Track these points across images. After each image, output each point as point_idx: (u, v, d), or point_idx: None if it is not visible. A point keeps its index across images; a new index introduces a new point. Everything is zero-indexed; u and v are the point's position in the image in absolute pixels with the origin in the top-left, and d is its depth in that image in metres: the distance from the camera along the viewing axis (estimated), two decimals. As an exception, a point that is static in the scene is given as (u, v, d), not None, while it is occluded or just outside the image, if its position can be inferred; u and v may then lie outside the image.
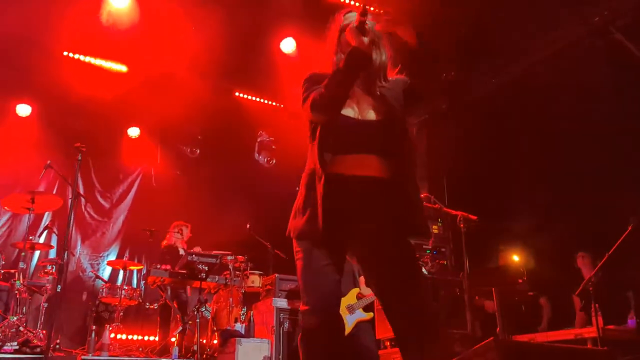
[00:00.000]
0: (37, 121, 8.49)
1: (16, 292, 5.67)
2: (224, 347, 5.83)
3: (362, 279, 5.53)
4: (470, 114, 7.92)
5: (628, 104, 6.07)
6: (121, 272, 8.47)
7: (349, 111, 2.52)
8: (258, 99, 9.26)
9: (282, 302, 5.95)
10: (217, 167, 9.59)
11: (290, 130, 7.71)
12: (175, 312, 6.61)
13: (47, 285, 6.23)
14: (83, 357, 5.19)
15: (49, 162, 6.07)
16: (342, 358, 2.46)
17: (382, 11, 2.46)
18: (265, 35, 7.61)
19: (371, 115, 2.52)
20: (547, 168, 6.89)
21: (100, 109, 7.93)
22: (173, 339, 6.20)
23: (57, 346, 5.78)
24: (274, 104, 9.28)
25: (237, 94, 9.11)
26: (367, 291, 5.46)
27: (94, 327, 6.19)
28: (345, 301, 5.20)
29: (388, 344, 5.77)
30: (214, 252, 6.49)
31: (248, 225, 7.55)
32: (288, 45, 7.80)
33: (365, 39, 2.41)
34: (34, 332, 5.58)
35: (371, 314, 5.24)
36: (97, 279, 8.05)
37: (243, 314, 6.43)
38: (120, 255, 9.09)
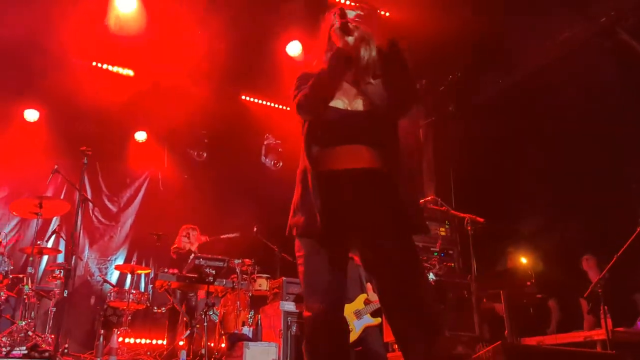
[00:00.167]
0: (44, 126, 8.54)
1: (25, 297, 5.70)
2: (232, 351, 5.83)
3: (369, 285, 5.52)
4: (478, 115, 7.91)
5: (635, 105, 6.03)
6: (129, 276, 8.48)
7: (338, 102, 2.52)
8: (264, 102, 9.27)
9: (289, 306, 5.94)
10: (224, 171, 9.60)
11: (297, 132, 7.71)
12: (183, 315, 6.62)
13: (55, 289, 6.25)
14: (91, 361, 5.20)
15: (56, 166, 6.11)
16: None
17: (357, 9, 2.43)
18: (271, 38, 7.62)
19: (359, 106, 2.52)
20: (554, 169, 6.86)
21: (107, 113, 7.96)
22: (181, 343, 6.21)
23: (66, 350, 5.80)
24: (280, 107, 9.30)
25: (243, 97, 9.13)
26: (375, 297, 5.44)
27: (102, 331, 6.21)
28: (353, 307, 5.18)
29: (397, 347, 5.75)
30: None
31: (255, 229, 7.55)
32: (294, 48, 7.81)
33: (350, 39, 2.39)
34: (43, 336, 5.60)
35: (379, 319, 5.21)
36: (105, 283, 8.07)
37: (250, 318, 6.42)
38: (127, 259, 9.11)
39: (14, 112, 8.38)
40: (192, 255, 6.56)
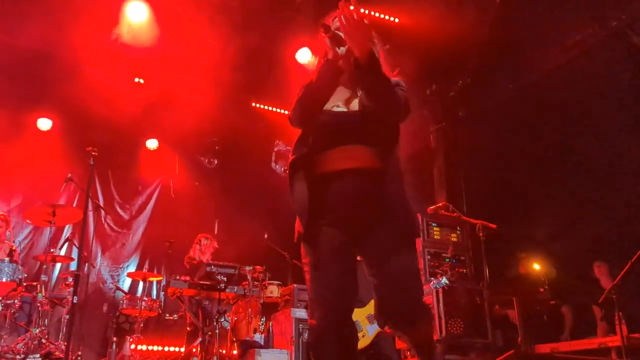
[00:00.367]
0: (57, 135, 8.63)
1: (38, 304, 5.73)
2: (244, 358, 5.83)
3: None
4: (488, 120, 7.88)
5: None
6: (141, 284, 8.52)
7: (332, 104, 2.52)
8: (274, 109, 9.29)
9: (300, 313, 5.93)
10: (234, 177, 9.63)
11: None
12: (195, 322, 6.62)
13: (69, 297, 6.27)
14: (104, 368, 5.22)
15: (69, 175, 6.16)
16: None
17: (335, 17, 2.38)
18: (281, 45, 7.64)
19: (354, 106, 2.51)
20: (566, 174, 6.81)
21: (119, 122, 8.01)
22: (193, 350, 6.22)
23: (79, 358, 5.82)
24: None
25: (253, 104, 9.16)
26: None
27: (114, 338, 6.24)
28: (366, 311, 5.15)
29: (409, 354, 5.72)
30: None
31: (266, 235, 7.55)
32: (304, 55, 7.83)
33: (342, 49, 2.37)
34: (56, 343, 5.62)
35: None
36: (117, 291, 8.11)
37: (262, 325, 6.42)
38: (139, 267, 9.16)
39: (27, 121, 8.47)
40: (204, 262, 6.59)
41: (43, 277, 5.87)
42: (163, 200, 9.80)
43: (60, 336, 6.13)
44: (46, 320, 5.93)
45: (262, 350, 5.63)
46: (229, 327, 6.58)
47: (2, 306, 5.54)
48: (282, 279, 7.20)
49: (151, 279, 7.21)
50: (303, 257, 2.51)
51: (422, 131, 8.57)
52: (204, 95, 7.84)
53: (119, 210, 9.45)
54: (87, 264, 5.72)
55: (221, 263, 6.47)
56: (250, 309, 6.43)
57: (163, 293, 8.63)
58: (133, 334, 6.48)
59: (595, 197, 6.42)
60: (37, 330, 5.51)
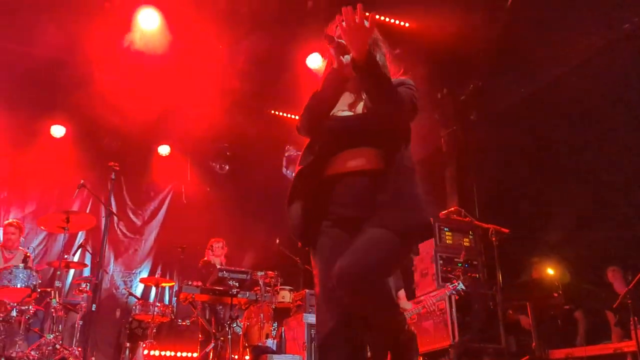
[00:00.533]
0: (70, 142, 8.71)
1: (52, 310, 5.77)
2: (256, 364, 5.84)
3: (401, 294, 5.43)
4: (500, 124, 7.85)
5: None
6: (153, 289, 8.56)
7: (337, 109, 2.53)
8: (285, 114, 9.32)
9: (313, 318, 5.92)
10: (245, 183, 9.66)
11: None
12: (208, 328, 6.64)
13: (82, 303, 6.33)
14: (118, 374, 5.25)
15: (82, 181, 6.21)
16: None
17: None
18: (292, 51, 7.66)
19: (359, 109, 2.52)
20: (579, 178, 6.76)
21: (131, 128, 8.08)
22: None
23: (92, 363, 5.86)
24: (301, 118, 9.32)
25: (264, 109, 9.18)
26: (408, 305, 5.37)
27: (127, 344, 6.26)
28: None
29: (421, 359, 5.70)
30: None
31: (277, 241, 7.56)
32: (314, 60, 7.84)
33: (347, 57, 2.38)
34: (70, 349, 5.66)
35: None
36: (130, 296, 8.15)
37: (274, 330, 6.42)
38: (152, 272, 9.20)
39: (41, 128, 8.56)
40: (218, 267, 6.61)
41: (57, 283, 5.91)
42: (175, 206, 9.84)
43: (74, 342, 6.17)
44: (60, 326, 5.97)
45: (274, 356, 5.63)
46: (241, 333, 6.59)
47: (16, 312, 5.58)
48: (294, 284, 7.20)
49: (163, 284, 7.24)
50: (313, 263, 2.52)
51: (433, 135, 8.56)
52: (215, 101, 7.88)
53: (131, 216, 9.51)
54: (100, 270, 5.74)
55: (233, 268, 6.48)
56: (262, 315, 6.44)
57: (175, 298, 8.65)
58: (146, 339, 6.49)
59: (609, 201, 6.37)
60: (52, 336, 5.55)
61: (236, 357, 6.25)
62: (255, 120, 9.01)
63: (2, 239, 7.09)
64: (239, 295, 6.21)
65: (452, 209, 6.22)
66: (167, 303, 8.16)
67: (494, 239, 5.31)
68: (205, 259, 7.44)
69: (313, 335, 5.83)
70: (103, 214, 5.70)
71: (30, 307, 5.71)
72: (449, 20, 6.85)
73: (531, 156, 7.26)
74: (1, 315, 5.53)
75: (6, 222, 7.20)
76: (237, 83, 7.78)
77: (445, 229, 6.75)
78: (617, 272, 6.32)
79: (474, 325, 5.87)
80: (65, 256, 6.37)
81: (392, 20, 7.23)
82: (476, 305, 5.89)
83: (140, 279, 8.30)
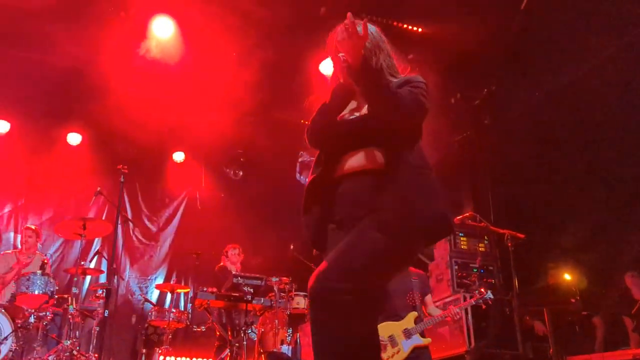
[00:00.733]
0: (87, 149, 8.80)
1: (69, 316, 5.81)
2: (271, 370, 5.83)
3: (428, 299, 5.39)
4: (515, 128, 7.80)
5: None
6: (169, 295, 8.61)
7: (344, 112, 2.55)
8: (299, 120, 9.32)
9: (327, 324, 5.90)
10: (259, 188, 9.68)
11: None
12: (223, 334, 6.66)
13: (99, 309, 6.37)
14: (134, 380, 5.27)
15: (98, 188, 6.28)
16: None
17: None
18: (306, 56, 7.68)
19: (365, 110, 2.49)
20: (595, 182, 6.70)
21: (146, 135, 8.13)
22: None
23: (109, 369, 5.90)
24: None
25: (277, 115, 9.20)
26: (436, 311, 5.31)
27: (143, 350, 6.29)
28: (402, 325, 5.05)
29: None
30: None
31: (292, 246, 7.56)
32: (328, 66, 7.85)
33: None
34: (87, 355, 5.71)
35: (429, 340, 5.08)
36: (145, 302, 8.20)
37: (289, 336, 6.42)
38: (167, 278, 9.24)
39: (58, 136, 8.67)
40: (232, 273, 6.62)
41: (74, 290, 5.96)
42: (190, 212, 9.90)
43: (90, 348, 6.21)
44: (77, 332, 6.02)
45: (289, 362, 5.63)
46: (256, 339, 6.60)
47: (34, 318, 5.64)
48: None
49: (179, 290, 7.27)
50: None
51: (447, 140, 8.53)
52: (229, 107, 7.92)
53: (146, 222, 9.58)
54: (116, 276, 5.80)
55: (248, 274, 6.49)
56: (277, 321, 6.44)
57: (190, 305, 8.70)
58: (161, 345, 6.53)
59: (627, 205, 6.30)
60: (69, 342, 5.59)
61: (251, 363, 6.26)
62: (268, 126, 9.04)
63: (20, 245, 7.17)
64: (253, 301, 6.22)
65: (467, 214, 6.19)
66: (182, 309, 8.20)
67: (509, 244, 5.27)
68: (222, 264, 7.47)
69: (328, 341, 5.79)
70: (118, 220, 5.74)
71: (47, 313, 5.77)
72: (461, 25, 6.84)
73: (546, 160, 7.20)
74: (19, 321, 5.61)
75: (23, 226, 7.30)
76: (251, 90, 7.81)
77: (461, 235, 6.72)
78: (635, 277, 6.26)
79: (490, 331, 5.83)
80: (82, 263, 6.42)
81: (405, 26, 7.23)
82: (492, 311, 5.85)
83: (156, 285, 8.36)
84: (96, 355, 5.77)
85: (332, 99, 2.51)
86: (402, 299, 5.18)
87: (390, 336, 5.02)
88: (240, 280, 6.25)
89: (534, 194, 7.19)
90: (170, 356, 6.56)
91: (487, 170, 8.10)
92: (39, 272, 5.86)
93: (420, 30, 7.27)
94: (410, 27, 7.27)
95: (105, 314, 5.13)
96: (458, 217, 6.49)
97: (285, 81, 8.10)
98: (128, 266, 9.14)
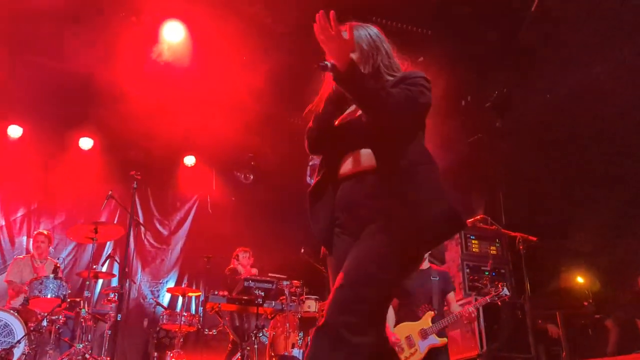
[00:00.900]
0: (98, 154, 8.86)
1: (82, 320, 5.85)
2: (283, 373, 5.83)
3: (451, 297, 5.31)
4: (526, 130, 7.75)
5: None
6: (180, 299, 8.64)
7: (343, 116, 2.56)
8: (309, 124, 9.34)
9: (338, 327, 5.88)
10: (270, 192, 9.69)
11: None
12: (234, 338, 6.67)
13: (111, 312, 6.40)
14: (146, 383, 5.29)
15: (110, 192, 6.32)
16: None
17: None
18: (317, 59, 7.68)
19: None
20: (608, 185, 6.64)
21: (157, 139, 8.18)
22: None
23: (121, 373, 5.92)
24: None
25: (288, 118, 9.22)
26: (458, 309, 5.24)
27: (155, 353, 6.31)
28: (419, 325, 5.01)
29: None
30: (270, 275, 6.55)
31: (302, 250, 7.56)
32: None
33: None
34: (99, 358, 5.74)
35: (445, 340, 5.04)
36: (157, 306, 8.23)
37: (300, 340, 6.42)
38: (178, 282, 9.27)
39: (70, 141, 8.73)
40: (242, 277, 6.64)
41: (86, 293, 6.01)
42: (201, 216, 9.93)
43: (102, 351, 6.24)
44: (89, 335, 6.05)
45: (300, 366, 5.62)
46: (267, 342, 6.60)
47: (47, 322, 5.68)
48: (319, 294, 7.19)
49: (190, 294, 7.29)
50: None
51: (458, 143, 8.49)
52: (239, 111, 7.94)
53: (158, 226, 9.62)
54: (127, 280, 5.83)
55: (259, 278, 6.51)
56: (288, 324, 6.45)
57: (202, 308, 8.71)
58: (173, 349, 6.55)
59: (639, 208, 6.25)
60: (81, 346, 5.63)
61: (262, 366, 6.26)
62: (279, 130, 9.05)
63: (32, 250, 7.23)
64: (264, 304, 6.23)
65: (479, 217, 6.16)
66: (193, 312, 8.22)
67: (521, 247, 5.23)
68: (231, 266, 7.49)
69: (339, 345, 5.78)
70: (131, 225, 5.78)
71: (60, 317, 5.81)
72: (471, 26, 6.81)
73: (558, 162, 7.15)
74: (32, 324, 5.65)
75: (36, 232, 7.35)
76: (261, 94, 7.83)
77: (472, 237, 6.69)
78: (648, 280, 6.20)
79: (502, 334, 5.79)
80: (94, 266, 6.46)
81: (415, 28, 7.22)
82: (504, 314, 5.81)
83: (168, 288, 8.39)
84: (108, 358, 5.80)
85: (326, 105, 2.53)
86: (421, 298, 5.15)
87: (407, 337, 5.00)
88: (252, 284, 6.27)
89: (546, 197, 7.14)
90: (181, 359, 6.58)
91: (499, 173, 8.05)
92: (51, 275, 5.90)
93: (429, 32, 7.25)
94: (420, 30, 7.26)
95: (118, 318, 5.15)
96: (469, 220, 6.46)
97: (296, 85, 8.09)
98: (140, 270, 9.18)
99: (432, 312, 5.05)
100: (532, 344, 5.65)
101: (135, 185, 5.88)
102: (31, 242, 7.71)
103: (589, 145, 6.88)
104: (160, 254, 9.49)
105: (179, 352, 6.43)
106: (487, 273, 6.51)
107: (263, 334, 6.38)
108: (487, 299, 5.09)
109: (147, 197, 9.46)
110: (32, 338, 5.61)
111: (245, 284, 6.29)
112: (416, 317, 5.06)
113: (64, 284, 5.95)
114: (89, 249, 6.50)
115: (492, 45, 7.00)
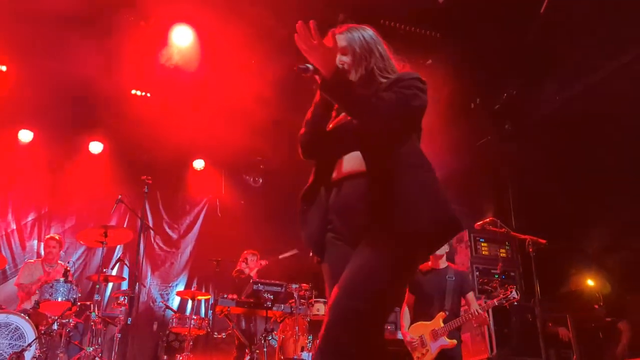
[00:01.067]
0: (108, 158, 8.92)
1: (92, 323, 5.88)
2: (292, 377, 5.83)
3: (470, 296, 5.23)
4: (535, 133, 7.72)
5: None
6: (189, 302, 8.65)
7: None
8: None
9: (348, 331, 5.87)
10: (279, 196, 9.69)
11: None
12: (244, 341, 6.67)
13: (120, 316, 6.42)
14: (155, 387, 5.30)
15: (120, 196, 6.35)
16: None
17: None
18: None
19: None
20: (619, 186, 6.59)
21: (166, 143, 8.21)
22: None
23: (131, 376, 5.94)
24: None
25: (297, 122, 9.23)
26: (476, 306, 5.19)
27: (165, 356, 6.32)
28: (431, 326, 5.01)
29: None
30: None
31: (311, 253, 7.55)
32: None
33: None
34: (109, 362, 5.76)
35: (454, 341, 5.02)
36: (167, 309, 8.25)
37: (309, 343, 6.41)
38: (188, 285, 9.30)
39: (80, 145, 8.80)
40: (251, 280, 6.64)
41: (96, 297, 6.02)
42: (210, 220, 9.96)
43: (112, 354, 6.26)
44: (99, 338, 6.07)
45: (310, 369, 5.62)
46: (276, 346, 6.60)
47: (57, 325, 5.71)
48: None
49: (200, 297, 7.30)
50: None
51: (467, 145, 8.46)
52: (248, 115, 7.96)
53: (167, 230, 9.66)
54: (137, 284, 5.85)
55: (268, 281, 6.52)
56: (297, 327, 6.44)
57: (211, 311, 8.73)
58: (183, 352, 6.55)
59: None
60: (91, 349, 5.65)
61: (272, 370, 6.26)
62: (288, 133, 9.05)
63: (43, 254, 7.27)
64: (273, 308, 6.23)
65: (488, 219, 6.11)
66: (203, 316, 8.23)
67: (531, 249, 5.19)
68: (239, 268, 7.50)
69: (348, 348, 5.76)
70: (139, 229, 5.81)
71: (70, 320, 5.84)
72: (480, 29, 6.80)
73: (568, 164, 7.11)
74: (43, 328, 5.68)
75: (47, 236, 7.40)
76: (270, 96, 7.84)
77: (481, 240, 6.67)
78: (660, 282, 6.14)
79: (512, 337, 5.76)
80: (104, 270, 6.49)
81: (423, 31, 7.22)
82: (514, 318, 5.78)
83: (177, 292, 8.40)
84: (118, 361, 5.82)
85: (316, 109, 2.53)
86: (435, 298, 5.14)
87: (420, 336, 5.01)
88: (261, 287, 6.28)
89: (556, 199, 7.09)
90: (191, 363, 6.59)
91: (508, 175, 8.02)
92: (61, 279, 5.93)
93: (438, 35, 7.24)
94: (428, 32, 7.25)
95: (128, 322, 5.17)
96: (479, 223, 6.43)
97: (305, 89, 8.10)
98: (149, 273, 9.21)
99: (444, 313, 5.03)
100: (542, 347, 5.60)
101: (146, 190, 5.92)
102: (42, 247, 7.76)
103: (599, 147, 6.83)
104: (170, 258, 9.52)
105: (188, 356, 6.43)
106: (496, 276, 6.49)
107: (272, 337, 6.38)
108: (495, 301, 5.06)
109: (156, 200, 9.50)
110: (43, 341, 5.64)
111: (254, 287, 6.30)
112: (430, 317, 5.05)
113: (75, 287, 5.98)
114: (99, 252, 6.52)
115: (500, 47, 6.98)
